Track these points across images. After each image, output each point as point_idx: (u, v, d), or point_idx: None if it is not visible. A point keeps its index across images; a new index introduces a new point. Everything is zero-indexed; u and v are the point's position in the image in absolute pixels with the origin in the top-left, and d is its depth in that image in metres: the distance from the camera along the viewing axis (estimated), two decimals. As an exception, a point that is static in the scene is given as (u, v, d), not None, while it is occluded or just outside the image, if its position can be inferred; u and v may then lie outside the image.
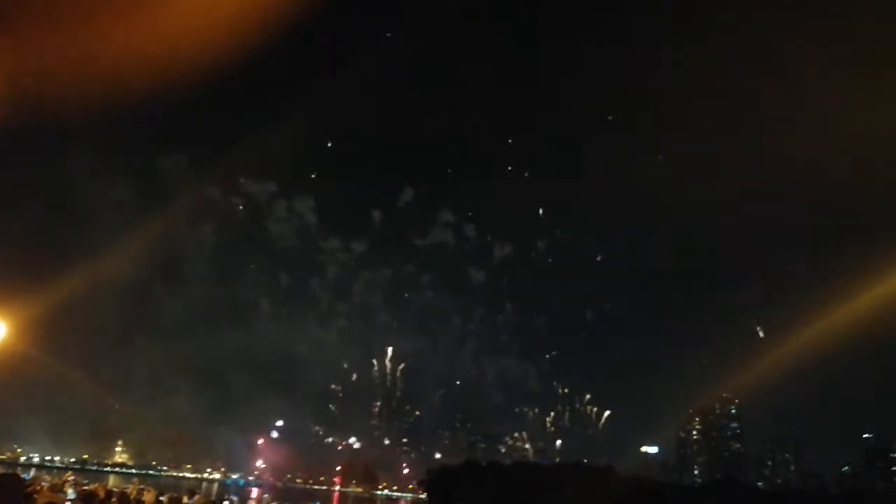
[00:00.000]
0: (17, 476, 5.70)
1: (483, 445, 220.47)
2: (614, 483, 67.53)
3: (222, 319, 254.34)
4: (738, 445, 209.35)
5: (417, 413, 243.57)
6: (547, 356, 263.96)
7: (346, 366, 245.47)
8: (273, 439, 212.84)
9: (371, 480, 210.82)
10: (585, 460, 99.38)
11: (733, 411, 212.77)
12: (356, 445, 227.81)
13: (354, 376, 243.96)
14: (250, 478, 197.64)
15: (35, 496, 10.70)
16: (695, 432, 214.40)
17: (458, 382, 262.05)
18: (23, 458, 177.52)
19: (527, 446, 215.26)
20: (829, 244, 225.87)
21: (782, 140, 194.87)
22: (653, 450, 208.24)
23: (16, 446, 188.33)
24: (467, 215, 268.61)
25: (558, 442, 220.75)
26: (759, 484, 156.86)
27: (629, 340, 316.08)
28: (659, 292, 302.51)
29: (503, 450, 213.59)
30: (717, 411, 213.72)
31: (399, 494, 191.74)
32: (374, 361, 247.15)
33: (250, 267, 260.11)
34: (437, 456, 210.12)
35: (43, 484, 18.51)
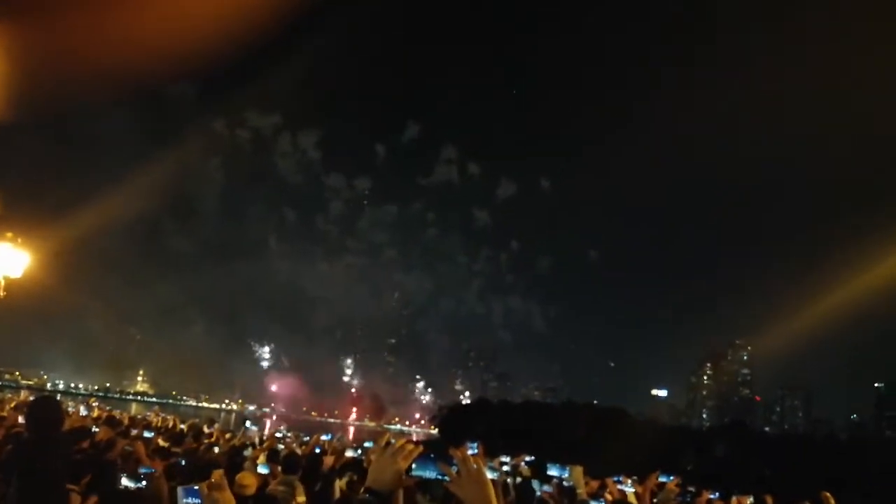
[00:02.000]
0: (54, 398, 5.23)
1: (495, 384, 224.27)
2: (625, 424, 68.03)
3: (233, 254, 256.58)
4: (748, 391, 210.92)
5: (429, 351, 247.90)
6: (552, 303, 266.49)
7: (357, 302, 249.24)
8: (287, 373, 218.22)
9: (383, 415, 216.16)
10: (596, 401, 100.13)
11: (745, 357, 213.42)
12: (377, 383, 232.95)
13: (366, 312, 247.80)
14: (265, 409, 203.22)
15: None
16: (705, 377, 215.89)
17: (465, 321, 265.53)
18: (48, 385, 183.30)
19: (535, 390, 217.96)
20: (861, 199, 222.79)
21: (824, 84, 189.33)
22: (662, 393, 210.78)
23: (42, 373, 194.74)
24: (472, 152, 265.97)
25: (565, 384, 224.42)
26: (767, 429, 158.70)
27: (639, 283, 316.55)
28: (671, 232, 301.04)
29: (514, 389, 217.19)
30: (729, 357, 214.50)
31: (411, 429, 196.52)
32: (384, 298, 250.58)
33: (258, 202, 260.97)
34: (453, 392, 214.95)
35: (70, 408, 18.55)
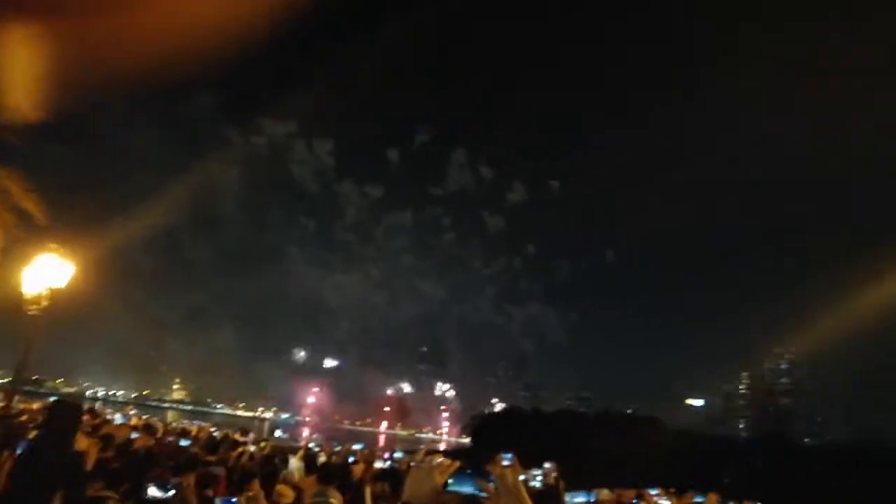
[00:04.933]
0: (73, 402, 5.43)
1: (525, 394, 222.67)
2: (659, 433, 66.88)
3: (257, 262, 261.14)
4: (788, 401, 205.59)
5: (455, 360, 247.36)
6: (572, 309, 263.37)
7: (379, 310, 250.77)
8: (317, 381, 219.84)
9: (413, 423, 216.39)
10: (629, 410, 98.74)
11: (784, 367, 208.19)
12: (404, 389, 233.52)
13: (389, 320, 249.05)
14: (298, 418, 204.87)
15: (101, 425, 10.57)
16: (742, 386, 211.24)
17: (485, 329, 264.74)
18: (88, 392, 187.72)
19: (567, 399, 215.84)
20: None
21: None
22: (698, 402, 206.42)
23: (82, 381, 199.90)
24: (483, 156, 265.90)
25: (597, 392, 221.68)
26: (807, 440, 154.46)
27: (666, 287, 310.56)
28: (699, 233, 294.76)
29: (545, 398, 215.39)
30: (768, 366, 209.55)
31: (442, 438, 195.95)
32: (405, 306, 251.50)
33: (276, 210, 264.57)
34: (482, 401, 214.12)
35: (108, 417, 18.89)
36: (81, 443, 5.82)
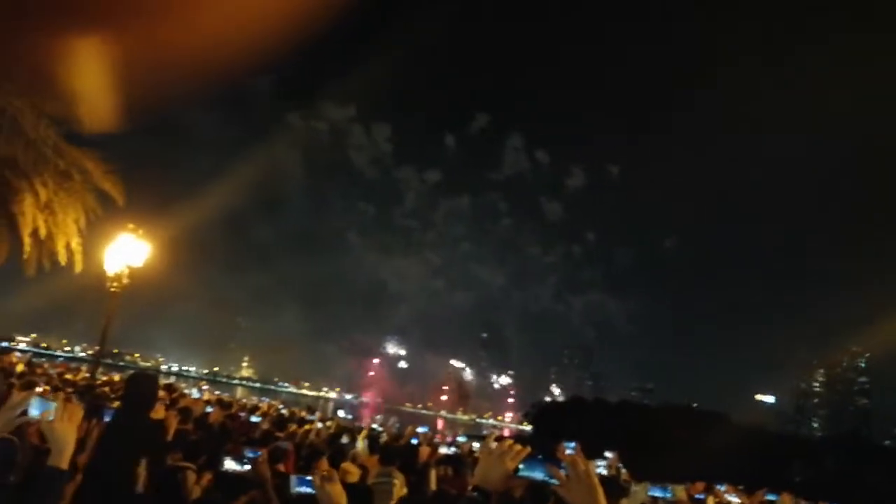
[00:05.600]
0: (151, 374, 5.82)
1: (590, 383, 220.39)
2: (726, 429, 64.97)
3: (320, 246, 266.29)
4: (866, 401, 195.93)
5: (518, 346, 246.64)
6: (632, 298, 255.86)
7: (439, 296, 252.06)
8: (380, 363, 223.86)
9: (474, 408, 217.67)
10: (695, 404, 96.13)
11: (862, 365, 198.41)
12: (465, 375, 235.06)
13: (449, 306, 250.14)
14: (361, 398, 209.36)
15: (179, 399, 11.21)
16: (816, 384, 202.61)
17: (546, 318, 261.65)
18: (163, 367, 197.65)
19: (631, 390, 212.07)
20: None
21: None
22: (769, 399, 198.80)
23: (158, 356, 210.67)
24: (541, 141, 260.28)
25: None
26: (887, 442, 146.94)
27: (734, 279, 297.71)
28: (770, 222, 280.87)
29: (608, 388, 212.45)
30: (844, 364, 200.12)
31: (503, 424, 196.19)
32: (466, 293, 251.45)
33: (336, 195, 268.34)
34: (544, 388, 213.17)
35: (184, 391, 19.80)
36: (159, 413, 6.14)
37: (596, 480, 1.78)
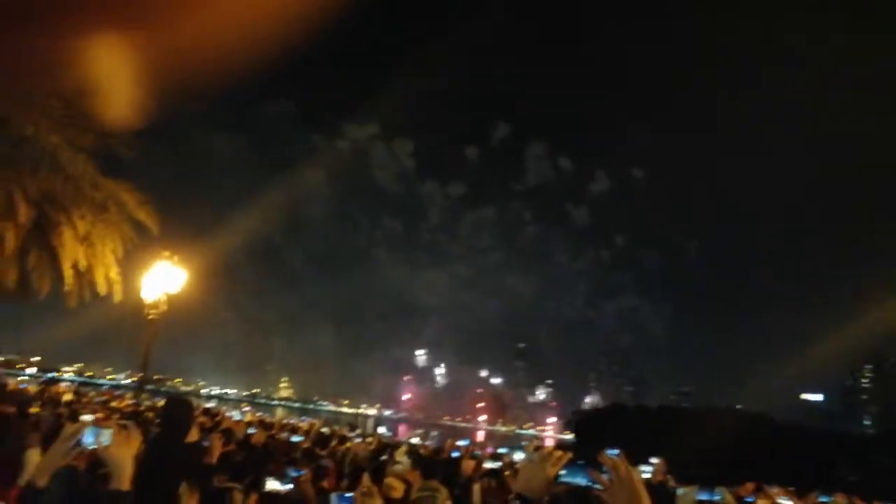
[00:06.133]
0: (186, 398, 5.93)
1: (630, 388, 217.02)
2: (772, 431, 63.47)
3: (348, 265, 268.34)
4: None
5: (554, 355, 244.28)
6: (666, 300, 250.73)
7: (471, 308, 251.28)
8: (415, 378, 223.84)
9: (514, 419, 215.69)
10: (739, 406, 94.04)
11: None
12: (501, 385, 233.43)
13: (482, 318, 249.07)
14: (399, 414, 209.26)
15: (221, 421, 11.39)
16: (865, 380, 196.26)
17: (579, 324, 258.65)
18: (203, 391, 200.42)
19: (671, 394, 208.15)
20: None
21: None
22: (816, 397, 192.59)
23: (199, 380, 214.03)
24: (563, 148, 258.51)
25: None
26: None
27: (770, 276, 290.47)
28: (806, 217, 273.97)
29: (646, 393, 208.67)
30: (893, 359, 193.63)
31: (544, 434, 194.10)
32: (496, 304, 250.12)
33: (362, 213, 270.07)
34: (587, 399, 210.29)
35: (226, 414, 20.02)
36: (193, 436, 6.26)
37: (639, 484, 1.78)
